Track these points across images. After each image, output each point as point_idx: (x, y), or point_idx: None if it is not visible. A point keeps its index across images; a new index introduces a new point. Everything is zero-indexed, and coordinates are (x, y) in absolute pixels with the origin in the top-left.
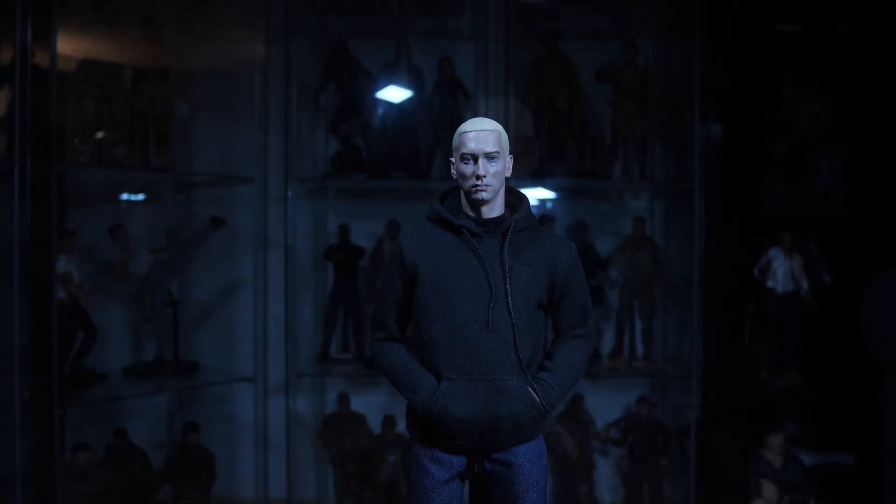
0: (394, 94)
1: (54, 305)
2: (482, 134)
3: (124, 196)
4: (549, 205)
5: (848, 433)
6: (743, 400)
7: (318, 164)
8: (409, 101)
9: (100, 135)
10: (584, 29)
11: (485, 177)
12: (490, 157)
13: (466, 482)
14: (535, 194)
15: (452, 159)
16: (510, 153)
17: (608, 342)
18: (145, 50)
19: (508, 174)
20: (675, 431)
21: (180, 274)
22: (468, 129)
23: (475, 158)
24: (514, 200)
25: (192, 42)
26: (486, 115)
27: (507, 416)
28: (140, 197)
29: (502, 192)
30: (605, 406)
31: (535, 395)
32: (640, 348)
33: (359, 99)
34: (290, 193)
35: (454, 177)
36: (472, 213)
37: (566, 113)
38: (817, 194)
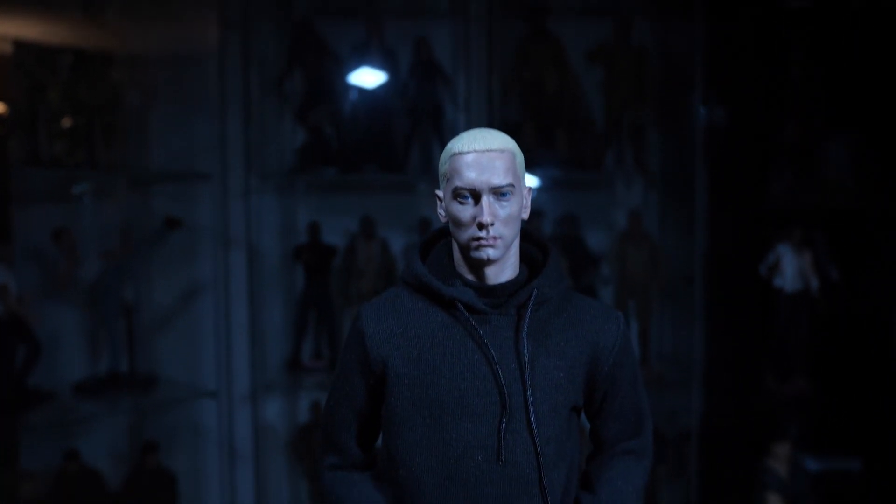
0: (366, 79)
1: None
2: (487, 157)
3: (75, 189)
4: (533, 194)
5: (856, 437)
6: (747, 407)
7: (284, 157)
8: (382, 86)
9: (67, 121)
10: (573, 5)
11: (492, 224)
12: (500, 193)
13: None
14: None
15: (439, 192)
16: (526, 184)
17: None
18: (86, 32)
19: (526, 215)
20: (673, 438)
21: (135, 280)
22: (465, 149)
23: (476, 196)
24: (533, 251)
25: (140, 24)
26: (469, 100)
27: None
28: (91, 196)
29: (517, 242)
30: None
31: None
32: (636, 351)
33: (327, 85)
34: (252, 189)
35: (442, 219)
36: (470, 277)
37: (555, 97)
38: (827, 185)
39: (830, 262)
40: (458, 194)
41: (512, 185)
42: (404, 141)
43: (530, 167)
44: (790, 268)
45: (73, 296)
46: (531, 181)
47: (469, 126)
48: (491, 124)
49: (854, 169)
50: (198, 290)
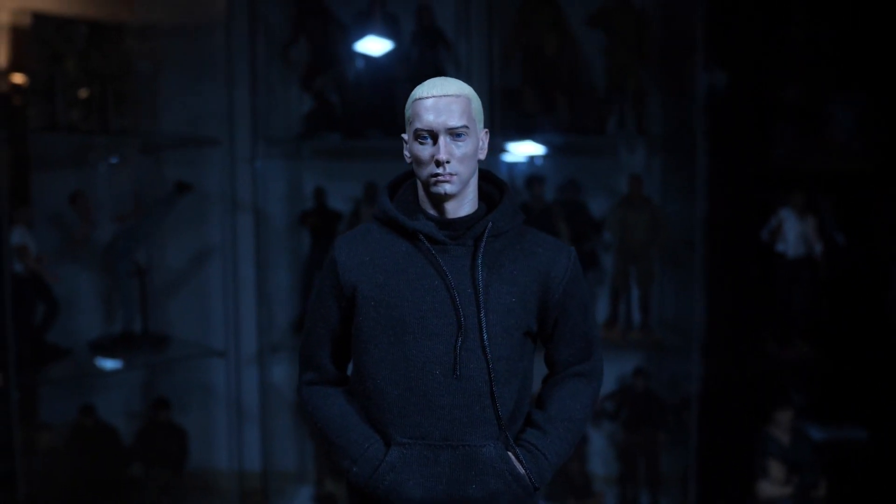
0: (369, 46)
1: (6, 280)
2: (444, 101)
3: (92, 161)
4: (538, 161)
5: (861, 405)
6: (747, 372)
7: (291, 123)
8: (385, 53)
9: (83, 93)
10: None
11: (448, 162)
12: (455, 133)
13: None
14: (523, 150)
15: (405, 136)
16: (484, 126)
17: (602, 311)
18: (100, 4)
19: (483, 156)
20: (674, 405)
21: (147, 242)
22: (424, 95)
23: (434, 136)
24: (492, 190)
25: None
26: (470, 66)
27: (479, 497)
28: (105, 161)
29: (474, 180)
30: None
31: (519, 466)
32: (636, 317)
33: (331, 52)
34: (259, 154)
35: (407, 160)
36: (432, 212)
37: (555, 62)
38: (831, 146)
39: (836, 226)
40: (418, 135)
41: (466, 127)
42: None
43: (531, 133)
44: (792, 232)
45: (88, 258)
46: (534, 148)
47: None
48: (491, 89)
49: (859, 131)
50: (207, 253)
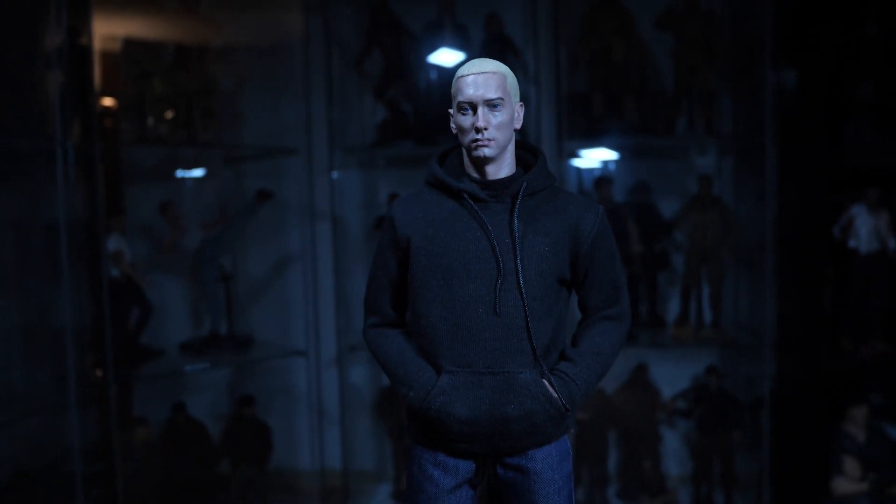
0: (439, 55)
1: (104, 284)
2: (482, 77)
3: (179, 173)
4: (611, 166)
5: None
6: (822, 371)
7: (365, 133)
8: (455, 61)
9: (169, 114)
10: None
11: (486, 129)
12: (492, 104)
13: (479, 488)
14: (593, 155)
15: (451, 111)
16: (519, 100)
17: (674, 309)
18: (184, 27)
19: (518, 126)
20: (748, 404)
21: (231, 249)
22: (465, 73)
23: (474, 107)
24: (528, 157)
25: (230, 14)
26: (539, 72)
27: (517, 416)
28: (192, 173)
29: (512, 147)
30: (672, 377)
31: (551, 390)
32: (707, 315)
33: (403, 62)
34: (336, 164)
35: (453, 131)
36: (475, 175)
37: (623, 65)
38: None
39: None
40: (460, 107)
41: (501, 99)
42: None
43: (600, 135)
44: (864, 228)
45: (178, 266)
46: (603, 152)
47: (540, 98)
48: (559, 94)
49: None
50: (287, 259)
